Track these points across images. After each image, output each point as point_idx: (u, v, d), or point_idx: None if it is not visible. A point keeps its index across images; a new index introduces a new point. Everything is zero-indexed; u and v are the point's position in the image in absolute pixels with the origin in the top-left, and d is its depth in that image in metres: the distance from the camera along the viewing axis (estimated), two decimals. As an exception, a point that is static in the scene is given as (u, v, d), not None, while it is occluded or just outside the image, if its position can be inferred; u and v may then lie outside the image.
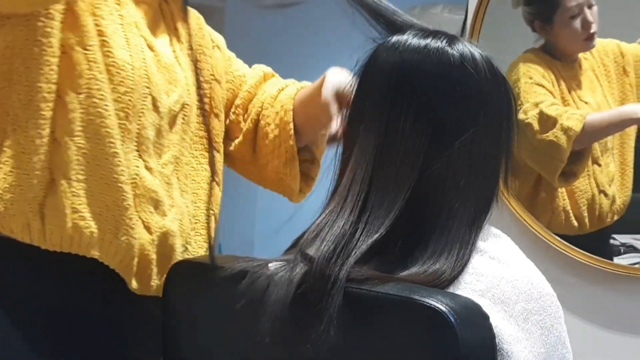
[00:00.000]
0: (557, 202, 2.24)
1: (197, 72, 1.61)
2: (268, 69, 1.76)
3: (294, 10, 4.20)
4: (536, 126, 2.18)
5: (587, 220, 2.23)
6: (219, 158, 1.63)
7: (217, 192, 1.63)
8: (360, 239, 1.12)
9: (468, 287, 1.09)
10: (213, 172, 1.62)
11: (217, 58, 1.66)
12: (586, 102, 2.23)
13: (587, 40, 2.21)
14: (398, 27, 1.23)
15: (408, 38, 1.19)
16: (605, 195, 2.22)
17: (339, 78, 1.52)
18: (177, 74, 1.54)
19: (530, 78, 2.21)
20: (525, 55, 2.25)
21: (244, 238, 4.15)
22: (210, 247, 1.56)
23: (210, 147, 1.62)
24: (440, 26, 1.24)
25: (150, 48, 1.50)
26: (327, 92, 1.51)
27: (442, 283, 1.08)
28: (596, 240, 2.25)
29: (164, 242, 1.48)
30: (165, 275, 1.45)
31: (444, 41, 1.17)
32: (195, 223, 1.58)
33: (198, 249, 1.58)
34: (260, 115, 1.66)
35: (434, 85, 1.15)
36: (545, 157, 2.22)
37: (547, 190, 2.25)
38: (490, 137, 1.16)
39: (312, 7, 4.22)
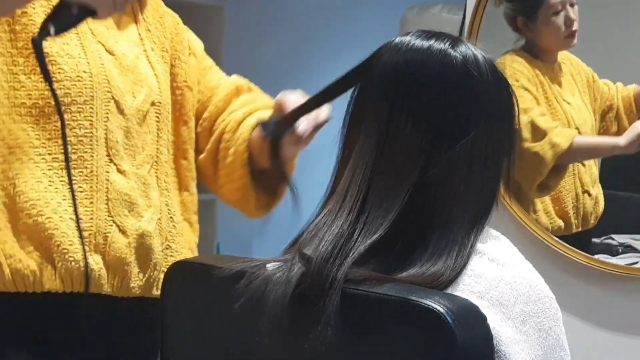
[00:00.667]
0: (543, 202, 2.24)
1: (171, 75, 1.62)
2: (242, 82, 1.74)
3: (293, 9, 4.19)
4: (526, 134, 2.19)
5: (572, 219, 2.23)
6: (186, 165, 1.64)
7: (187, 197, 1.63)
8: (359, 239, 1.11)
9: (466, 288, 1.09)
10: (179, 179, 1.62)
11: (191, 65, 1.66)
12: (568, 103, 2.24)
13: (569, 38, 2.22)
14: None
15: (411, 39, 1.18)
16: (589, 195, 2.23)
17: (287, 100, 1.52)
18: (143, 73, 1.54)
19: (517, 81, 2.21)
20: (510, 56, 2.25)
21: (242, 238, 4.14)
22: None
23: (176, 155, 1.62)
24: (439, 26, 1.24)
25: (110, 52, 1.52)
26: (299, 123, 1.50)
27: (441, 284, 1.08)
28: (584, 240, 2.26)
29: (141, 243, 1.49)
30: (145, 278, 1.47)
31: (447, 43, 1.17)
32: (178, 223, 1.59)
33: (181, 249, 1.59)
34: (222, 138, 1.66)
35: (436, 87, 1.15)
36: (527, 166, 2.23)
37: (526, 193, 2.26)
38: (491, 139, 1.15)
39: (311, 6, 4.22)
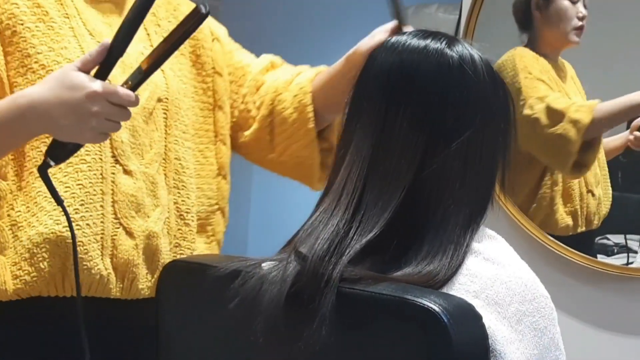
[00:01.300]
0: (554, 202, 2.24)
1: (197, 64, 1.61)
2: (277, 58, 1.73)
3: (288, 9, 4.19)
4: (544, 120, 2.19)
5: (579, 219, 2.23)
6: (225, 151, 1.63)
7: (224, 185, 1.62)
8: (354, 238, 1.11)
9: (462, 287, 1.09)
10: (219, 166, 1.61)
11: (217, 51, 1.65)
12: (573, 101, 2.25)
13: (576, 31, 2.22)
14: None
15: (407, 39, 1.18)
16: (593, 195, 2.23)
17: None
18: None
19: (530, 73, 2.21)
20: (518, 51, 2.25)
21: (238, 236, 4.14)
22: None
23: (216, 140, 1.61)
24: (435, 26, 1.24)
25: None
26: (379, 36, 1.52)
27: (436, 284, 1.08)
28: (585, 241, 2.26)
29: (148, 244, 1.48)
30: (154, 278, 1.46)
31: (444, 42, 1.17)
32: (191, 220, 1.57)
33: (196, 246, 1.57)
34: (276, 100, 1.64)
35: (432, 86, 1.15)
36: (555, 150, 2.22)
37: (546, 190, 2.26)
38: (487, 139, 1.16)
39: (307, 5, 4.22)
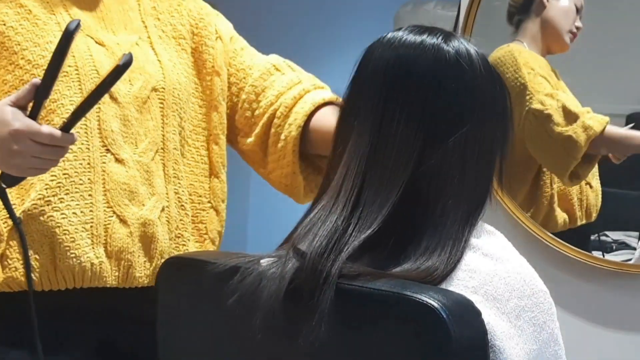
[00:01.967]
0: (552, 198, 2.24)
1: (198, 62, 1.61)
2: (280, 60, 1.71)
3: (286, 6, 4.19)
4: (557, 119, 2.19)
5: (577, 212, 2.23)
6: (218, 151, 1.63)
7: (217, 185, 1.62)
8: (353, 234, 1.11)
9: (461, 283, 1.09)
10: (212, 166, 1.62)
11: (218, 49, 1.65)
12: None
13: (570, 35, 2.22)
14: None
15: (404, 34, 1.18)
16: (591, 187, 2.23)
17: None
18: (141, 60, 1.53)
19: (533, 69, 2.21)
20: (514, 46, 2.25)
21: (237, 234, 4.14)
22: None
23: (208, 140, 1.62)
24: (433, 23, 1.24)
25: (100, 43, 1.51)
26: None
27: (435, 279, 1.08)
28: (582, 237, 2.26)
29: (144, 232, 1.48)
30: (152, 266, 1.46)
31: (440, 38, 1.17)
32: (192, 215, 1.57)
33: (199, 237, 1.58)
34: (272, 123, 1.63)
35: (428, 82, 1.15)
36: (560, 152, 2.22)
37: (543, 186, 2.26)
38: (485, 134, 1.15)
39: (305, 3, 4.21)
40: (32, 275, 1.43)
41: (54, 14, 1.50)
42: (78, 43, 1.47)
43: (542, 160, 2.26)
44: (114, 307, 1.49)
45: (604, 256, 2.21)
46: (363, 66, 1.20)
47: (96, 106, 1.39)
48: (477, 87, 1.16)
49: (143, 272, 1.49)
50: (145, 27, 1.58)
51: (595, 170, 2.24)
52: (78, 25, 1.31)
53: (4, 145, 1.32)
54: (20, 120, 1.31)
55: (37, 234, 1.43)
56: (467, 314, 1.04)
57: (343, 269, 1.08)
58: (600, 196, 2.24)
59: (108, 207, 1.45)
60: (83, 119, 1.39)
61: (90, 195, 1.44)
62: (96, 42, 1.51)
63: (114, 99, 1.48)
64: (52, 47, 1.44)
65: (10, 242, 1.43)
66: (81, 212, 1.44)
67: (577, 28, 2.22)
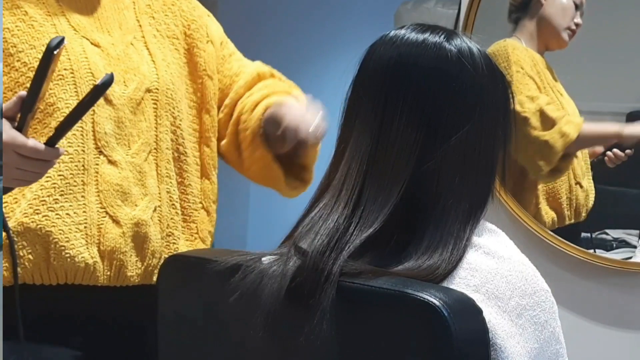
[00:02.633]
0: (538, 194, 2.25)
1: (190, 64, 1.62)
2: (265, 69, 1.73)
3: (287, 4, 4.19)
4: (534, 122, 2.20)
5: (565, 211, 2.24)
6: (209, 153, 1.64)
7: (207, 186, 1.63)
8: (354, 233, 1.11)
9: (462, 282, 1.09)
10: (203, 167, 1.63)
11: (210, 53, 1.66)
12: (561, 94, 2.25)
13: (569, 32, 2.23)
14: None
15: (406, 32, 1.18)
16: (581, 187, 2.24)
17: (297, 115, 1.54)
18: (135, 61, 1.54)
19: (522, 68, 2.22)
20: (510, 42, 2.26)
21: (237, 232, 4.14)
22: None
23: (200, 142, 1.63)
24: (434, 21, 1.24)
25: (96, 44, 1.52)
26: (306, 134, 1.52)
27: (437, 278, 1.08)
28: (575, 234, 2.27)
29: (137, 232, 1.50)
30: (144, 266, 1.47)
31: (442, 36, 1.17)
32: (183, 215, 1.58)
33: (189, 236, 1.58)
34: (240, 119, 1.65)
35: (430, 80, 1.15)
36: (536, 155, 2.23)
37: (529, 182, 2.27)
38: (486, 133, 1.15)
39: (306, 1, 4.21)
40: (24, 273, 1.44)
41: (50, 16, 1.51)
42: (73, 45, 1.49)
43: (520, 159, 2.27)
44: (102, 305, 1.51)
45: (605, 253, 2.21)
46: (365, 65, 1.20)
47: (91, 109, 1.40)
48: (479, 86, 1.16)
49: (134, 271, 1.51)
50: (140, 26, 1.59)
51: (587, 170, 2.25)
52: (61, 42, 1.31)
53: None
54: (6, 132, 1.32)
55: (31, 233, 1.45)
56: (468, 312, 1.04)
57: (344, 267, 1.08)
58: (591, 196, 2.25)
59: (101, 208, 1.47)
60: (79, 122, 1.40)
61: (83, 196, 1.47)
62: (91, 44, 1.52)
63: (108, 101, 1.49)
64: None
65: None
66: (74, 212, 1.46)
67: (577, 25, 2.22)
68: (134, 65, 1.53)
